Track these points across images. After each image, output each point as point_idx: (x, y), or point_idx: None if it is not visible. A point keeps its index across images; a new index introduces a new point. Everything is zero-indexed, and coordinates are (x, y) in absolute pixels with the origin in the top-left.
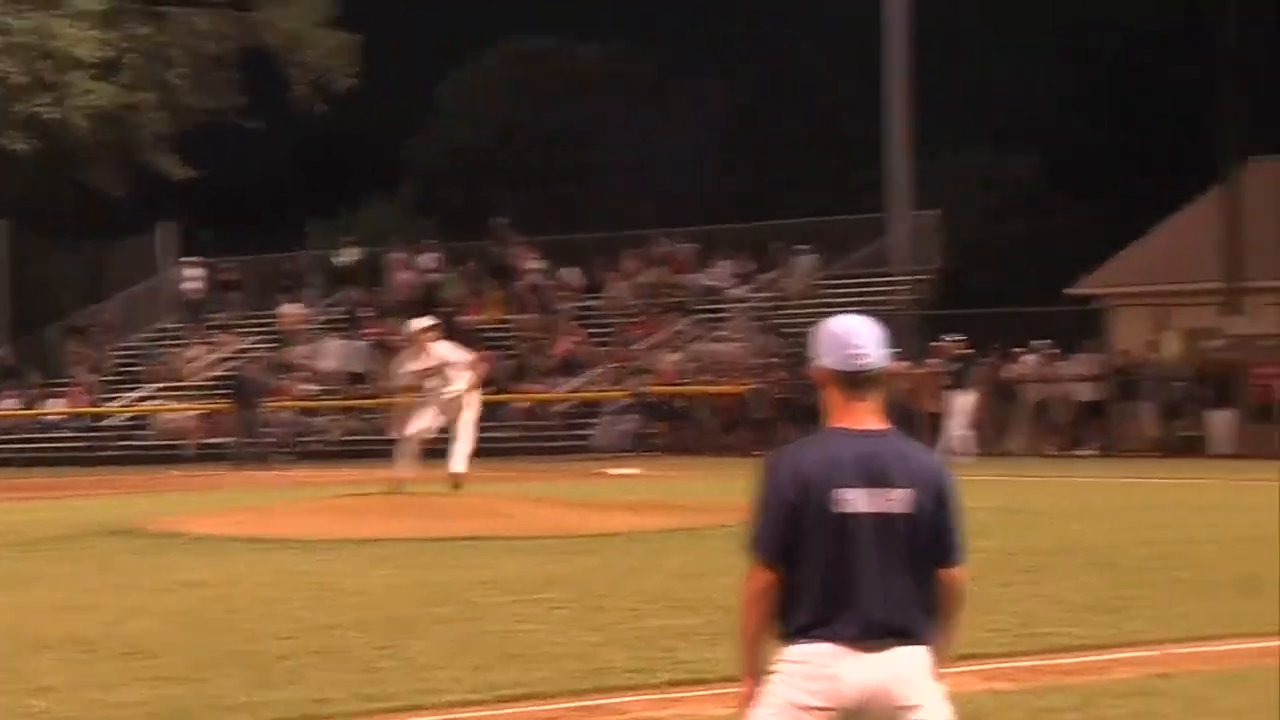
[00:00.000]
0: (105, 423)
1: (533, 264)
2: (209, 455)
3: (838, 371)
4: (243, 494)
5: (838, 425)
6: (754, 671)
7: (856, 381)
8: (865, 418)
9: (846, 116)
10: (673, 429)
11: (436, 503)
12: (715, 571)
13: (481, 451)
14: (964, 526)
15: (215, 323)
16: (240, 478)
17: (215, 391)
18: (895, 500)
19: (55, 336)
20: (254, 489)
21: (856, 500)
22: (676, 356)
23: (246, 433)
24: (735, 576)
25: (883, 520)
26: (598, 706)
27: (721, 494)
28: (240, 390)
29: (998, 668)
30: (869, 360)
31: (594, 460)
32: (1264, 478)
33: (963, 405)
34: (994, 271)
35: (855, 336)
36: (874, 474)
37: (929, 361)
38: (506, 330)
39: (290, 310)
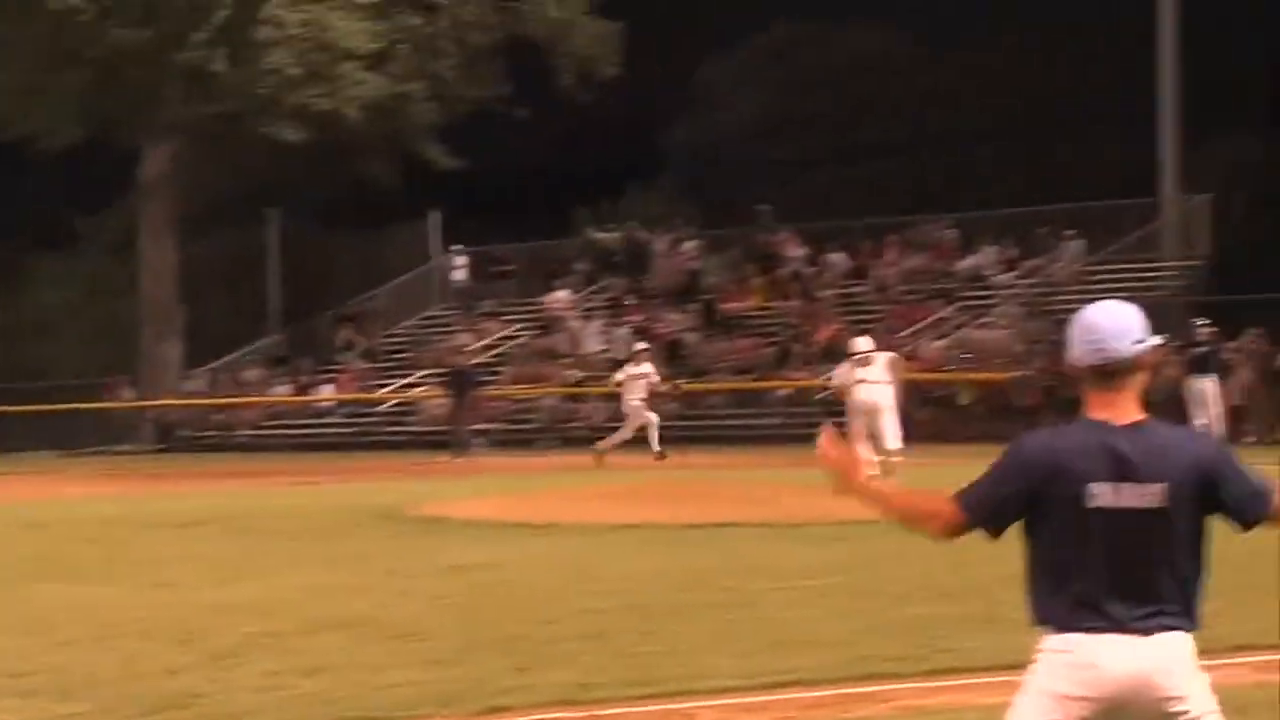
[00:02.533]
0: (375, 409)
1: (795, 251)
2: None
3: (1086, 364)
4: (507, 479)
5: (1091, 417)
6: (874, 493)
7: (1105, 374)
8: (1119, 409)
9: (1118, 96)
10: (935, 416)
11: (699, 488)
12: (978, 560)
13: (744, 439)
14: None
15: (483, 310)
16: (503, 464)
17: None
18: (1147, 495)
19: (327, 324)
20: (518, 475)
21: (1104, 494)
22: (941, 343)
23: (460, 421)
24: (999, 565)
25: (1134, 515)
26: (862, 694)
27: None
28: (454, 380)
29: (1270, 659)
30: (1114, 352)
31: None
32: None
33: (1206, 392)
34: (1268, 257)
35: (1099, 328)
36: (1124, 468)
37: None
38: (768, 317)
39: (559, 297)
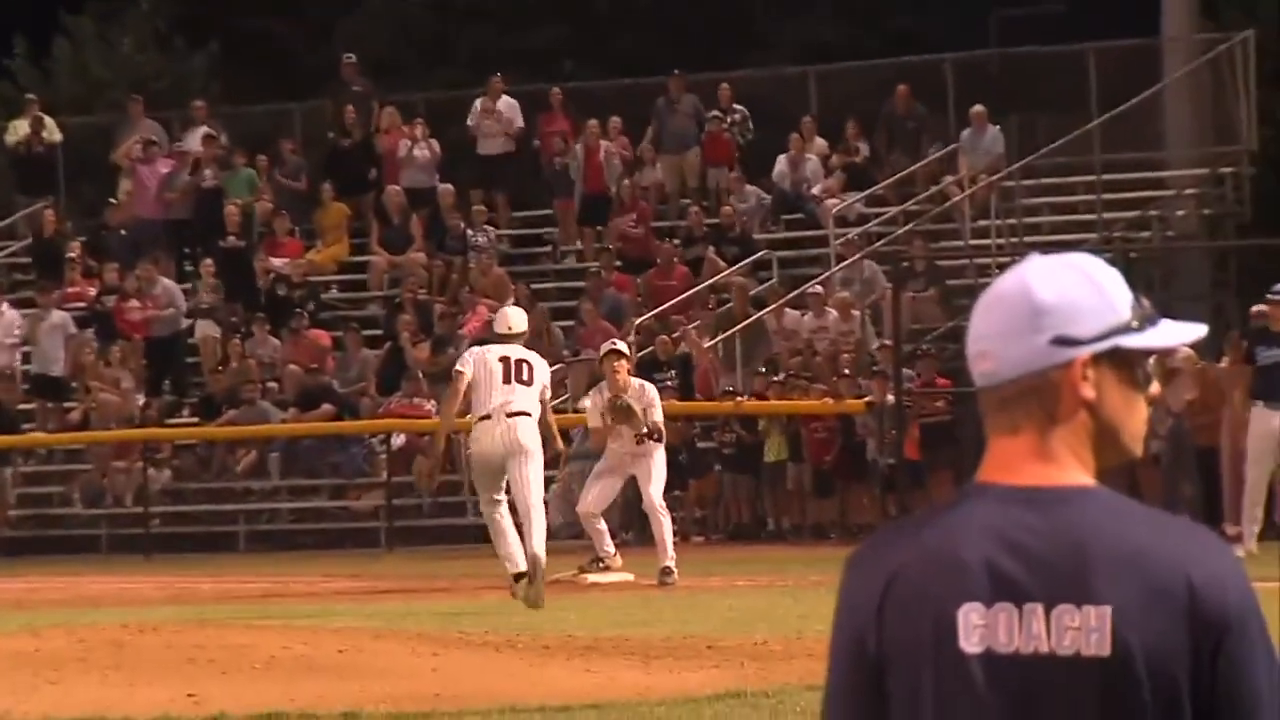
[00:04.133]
0: None
1: None
2: None
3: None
4: None
5: (981, 482)
6: None
7: (995, 401)
8: (1015, 465)
9: None
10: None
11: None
12: None
13: None
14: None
15: None
16: None
17: None
18: (1066, 633)
19: None
20: None
21: (986, 629)
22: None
23: None
24: None
25: (1045, 669)
26: None
27: None
28: None
29: None
30: (998, 361)
31: None
32: None
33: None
34: None
35: (986, 316)
36: (1010, 580)
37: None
38: None
39: None
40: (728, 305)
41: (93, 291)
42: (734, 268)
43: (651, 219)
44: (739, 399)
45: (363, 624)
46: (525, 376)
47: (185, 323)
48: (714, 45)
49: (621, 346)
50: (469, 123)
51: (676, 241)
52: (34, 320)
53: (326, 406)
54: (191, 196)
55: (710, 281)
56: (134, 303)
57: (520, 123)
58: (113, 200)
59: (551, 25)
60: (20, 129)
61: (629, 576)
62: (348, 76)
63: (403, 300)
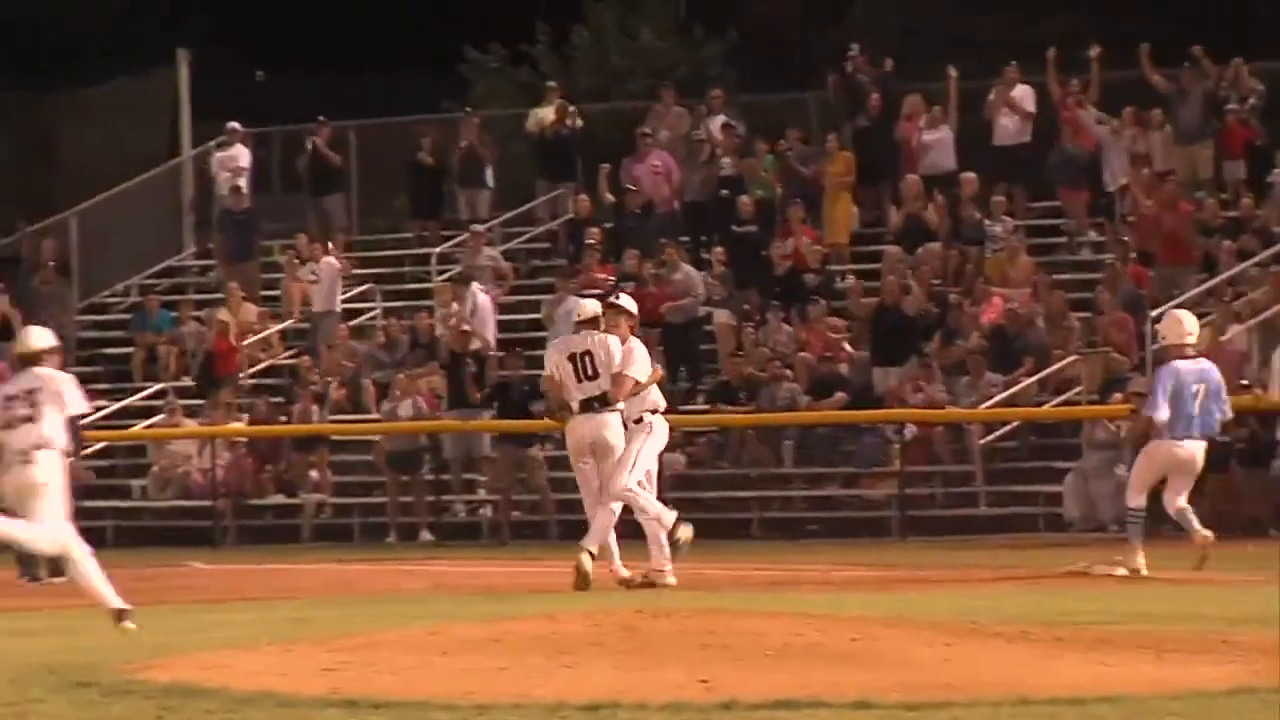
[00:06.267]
0: None
1: None
2: None
3: None
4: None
5: None
6: None
7: None
8: None
9: None
10: None
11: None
12: None
13: None
14: None
15: None
16: None
17: None
18: None
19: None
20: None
21: None
22: None
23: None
24: None
25: None
26: None
27: None
28: None
29: None
30: None
31: None
32: None
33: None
34: None
35: None
36: None
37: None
38: None
39: None
40: (1246, 298)
41: (610, 278)
42: (1249, 261)
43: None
44: (1256, 393)
45: (875, 612)
46: (590, 371)
47: (702, 310)
48: (1219, 33)
49: (624, 301)
50: (984, 113)
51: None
52: (552, 305)
53: (839, 395)
54: (709, 184)
55: (1228, 274)
56: (652, 289)
57: (1032, 110)
58: (631, 187)
59: (1064, 14)
60: (544, 116)
61: (1140, 569)
62: (856, 66)
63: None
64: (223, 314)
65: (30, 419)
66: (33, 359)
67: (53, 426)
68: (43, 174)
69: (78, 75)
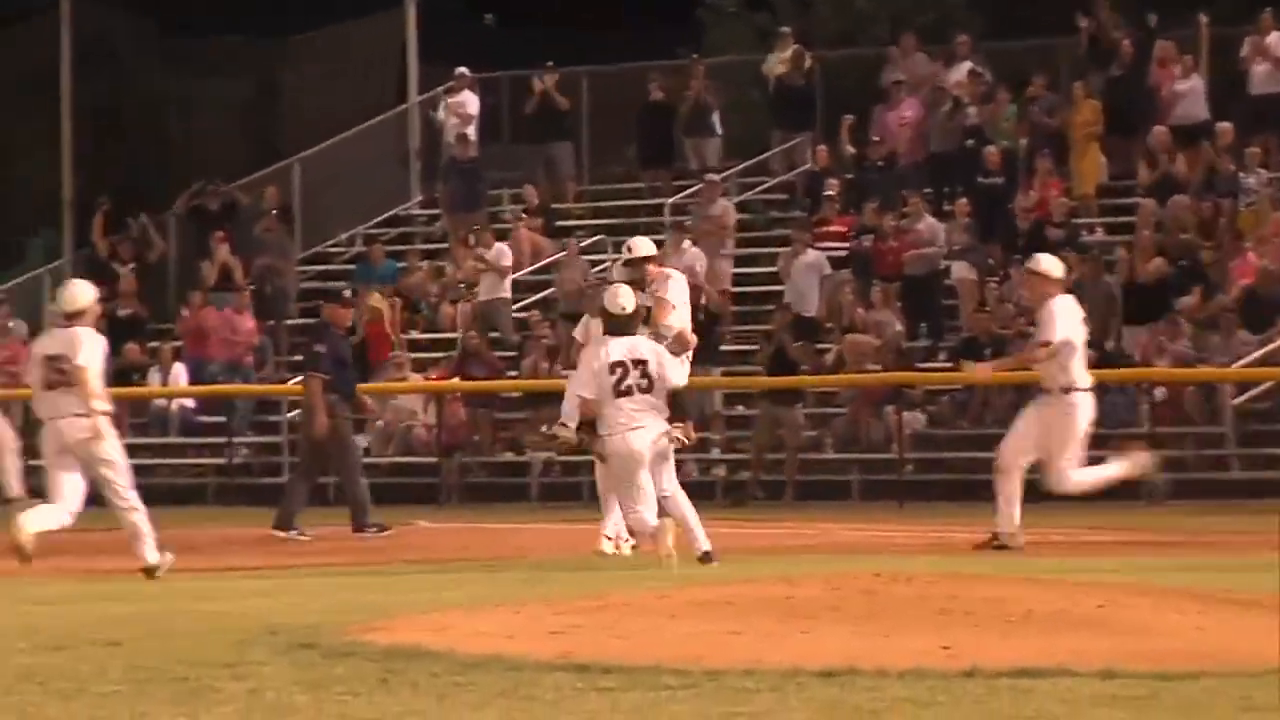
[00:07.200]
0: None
1: None
2: None
3: None
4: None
5: None
6: None
7: None
8: None
9: None
10: None
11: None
12: None
13: None
14: None
15: None
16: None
17: None
18: None
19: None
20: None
21: None
22: None
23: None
24: None
25: None
26: None
27: None
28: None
29: None
30: None
31: None
32: None
33: None
34: None
35: None
36: None
37: None
38: None
39: None
40: None
41: (848, 230)
42: None
43: None
44: None
45: (1123, 579)
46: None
47: (942, 264)
48: None
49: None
50: (1242, 59)
51: None
52: (788, 259)
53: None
54: (954, 134)
55: None
56: (893, 242)
57: None
58: (875, 138)
59: None
60: (779, 62)
61: None
62: (1104, 17)
63: (1163, 244)
64: (374, 299)
65: (66, 382)
66: (74, 317)
67: (97, 385)
68: (266, 120)
69: (303, 19)
